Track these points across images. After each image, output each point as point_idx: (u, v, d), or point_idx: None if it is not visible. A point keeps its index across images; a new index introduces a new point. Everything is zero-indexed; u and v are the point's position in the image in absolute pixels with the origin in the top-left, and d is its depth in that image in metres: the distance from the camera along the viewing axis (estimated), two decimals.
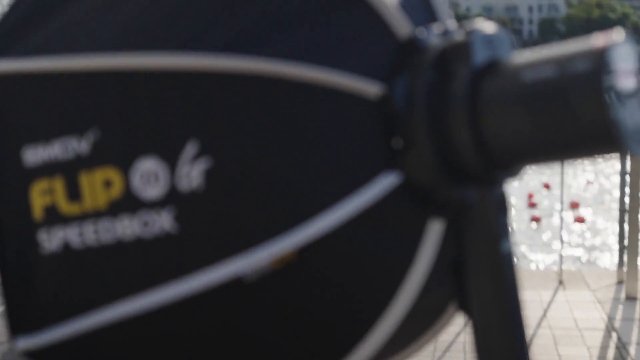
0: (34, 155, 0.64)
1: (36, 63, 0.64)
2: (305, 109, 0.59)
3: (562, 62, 0.57)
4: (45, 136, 0.63)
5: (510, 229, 0.66)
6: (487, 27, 0.65)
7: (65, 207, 0.63)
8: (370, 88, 0.60)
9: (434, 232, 0.63)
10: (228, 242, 0.58)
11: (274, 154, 0.58)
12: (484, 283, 0.65)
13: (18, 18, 0.66)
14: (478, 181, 0.63)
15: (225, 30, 0.59)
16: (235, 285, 0.59)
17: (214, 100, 0.58)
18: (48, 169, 0.63)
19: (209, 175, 0.58)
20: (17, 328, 0.66)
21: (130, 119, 0.60)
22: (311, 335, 0.62)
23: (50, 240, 0.64)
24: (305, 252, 0.59)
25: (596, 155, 0.59)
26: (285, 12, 0.61)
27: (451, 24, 0.69)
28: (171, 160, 0.59)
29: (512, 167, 0.63)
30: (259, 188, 0.58)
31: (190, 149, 0.58)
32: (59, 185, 0.63)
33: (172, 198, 0.59)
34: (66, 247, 0.63)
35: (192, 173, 0.58)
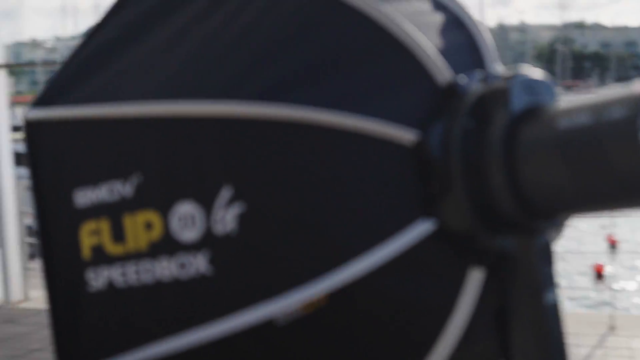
0: (83, 197, 0.67)
1: (86, 110, 0.67)
2: (339, 155, 0.60)
3: (598, 109, 0.56)
4: (94, 179, 0.66)
5: (555, 280, 0.64)
6: (531, 72, 0.64)
7: (111, 247, 0.65)
8: (405, 134, 0.60)
9: (475, 280, 0.62)
10: (260, 285, 0.59)
11: (307, 199, 0.59)
12: (527, 335, 0.63)
13: (72, 71, 0.70)
14: (517, 230, 0.61)
15: (262, 79, 0.61)
16: (267, 327, 0.59)
17: (248, 146, 0.60)
18: (96, 211, 0.66)
19: (243, 219, 0.59)
20: None
21: (169, 164, 0.62)
22: None
23: (97, 278, 0.66)
24: (337, 297, 0.59)
25: (636, 206, 0.57)
26: (322, 61, 0.62)
27: (496, 68, 0.69)
28: (207, 204, 0.60)
29: (552, 216, 0.62)
30: (292, 234, 0.59)
31: (225, 193, 0.59)
32: (105, 226, 0.65)
33: (208, 241, 0.60)
34: (110, 286, 0.65)
35: (226, 217, 0.59)
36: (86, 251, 0.67)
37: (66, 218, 0.68)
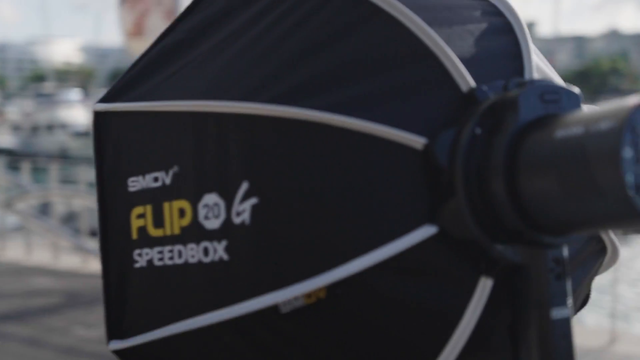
0: (135, 184, 0.74)
1: (138, 105, 0.74)
2: (350, 157, 0.62)
3: (590, 120, 0.55)
4: (143, 169, 0.73)
5: (568, 295, 0.63)
6: (552, 81, 0.64)
7: (152, 230, 0.72)
8: (417, 140, 0.62)
9: (483, 289, 0.62)
10: (269, 273, 0.64)
11: (316, 197, 0.63)
12: (532, 350, 0.62)
13: (136, 71, 0.77)
14: (523, 241, 0.61)
15: (285, 83, 0.65)
16: (271, 312, 0.64)
17: (265, 145, 0.64)
18: (143, 197, 0.73)
19: (256, 212, 0.64)
20: (111, 334, 0.76)
21: (200, 159, 0.68)
22: None
23: (141, 257, 0.73)
24: (334, 290, 0.62)
25: (624, 227, 0.56)
26: (347, 66, 0.65)
27: (533, 76, 0.68)
28: (228, 197, 0.65)
29: (556, 231, 0.61)
30: (300, 228, 0.63)
31: (243, 187, 0.64)
32: (149, 211, 0.72)
33: (227, 230, 0.65)
34: (150, 265, 0.72)
35: (243, 209, 0.64)
36: (134, 232, 0.74)
37: (121, 202, 0.75)
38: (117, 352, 0.76)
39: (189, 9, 0.79)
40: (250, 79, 0.67)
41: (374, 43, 0.66)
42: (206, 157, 0.67)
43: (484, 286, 0.63)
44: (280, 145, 0.64)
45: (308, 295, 0.63)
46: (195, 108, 0.68)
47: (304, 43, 0.67)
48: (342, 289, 0.62)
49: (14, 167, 12.53)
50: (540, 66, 0.71)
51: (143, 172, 0.73)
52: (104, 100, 0.77)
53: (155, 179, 0.72)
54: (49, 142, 32.55)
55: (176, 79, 0.74)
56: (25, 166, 11.48)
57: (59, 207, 10.27)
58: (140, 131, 0.74)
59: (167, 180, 0.71)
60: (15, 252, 10.11)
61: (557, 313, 0.62)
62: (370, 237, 0.61)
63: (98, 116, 0.77)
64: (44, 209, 10.66)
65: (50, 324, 6.85)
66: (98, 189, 0.78)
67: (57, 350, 6.12)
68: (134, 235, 0.73)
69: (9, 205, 10.60)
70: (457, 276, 0.63)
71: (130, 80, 0.77)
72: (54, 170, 10.63)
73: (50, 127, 35.11)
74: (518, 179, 0.59)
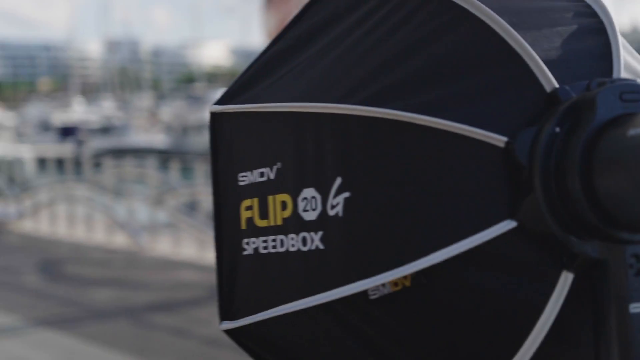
0: (244, 179, 0.81)
1: (247, 107, 0.81)
2: (435, 155, 0.66)
3: None
4: (251, 165, 0.80)
5: None
6: (636, 80, 0.65)
7: (258, 221, 0.78)
8: (499, 139, 0.65)
9: (563, 283, 0.65)
10: (357, 263, 0.69)
11: (404, 192, 0.67)
12: (611, 345, 0.64)
13: (246, 77, 0.84)
14: (600, 237, 0.63)
15: (378, 85, 0.70)
16: (361, 297, 0.69)
17: (356, 143, 0.69)
18: (251, 191, 0.79)
19: (348, 205, 0.69)
20: (223, 315, 0.83)
21: (300, 156, 0.74)
22: (419, 355, 0.70)
23: (249, 245, 0.80)
24: (420, 279, 0.67)
25: None
26: (436, 68, 0.69)
27: (621, 76, 0.69)
28: (324, 191, 0.71)
29: (636, 228, 0.63)
30: (388, 221, 0.67)
31: (337, 183, 0.70)
32: (255, 204, 0.79)
33: (323, 222, 0.71)
34: (256, 253, 0.79)
35: (336, 203, 0.70)
36: (243, 223, 0.81)
37: (232, 195, 0.82)
38: (227, 332, 0.83)
39: (296, 19, 0.85)
40: (346, 82, 0.72)
41: (461, 46, 0.69)
42: (305, 154, 0.73)
43: (565, 279, 0.65)
44: (370, 143, 0.69)
45: (394, 283, 0.68)
46: (295, 109, 0.74)
47: (397, 46, 0.71)
48: (427, 278, 0.66)
49: (164, 166, 13.15)
50: (632, 65, 0.73)
51: (251, 168, 0.80)
52: (219, 102, 0.85)
53: (261, 174, 0.78)
54: (197, 142, 33.89)
55: (281, 83, 0.80)
56: (174, 165, 12.04)
57: (205, 204, 10.70)
58: (249, 130, 0.81)
59: (271, 175, 0.77)
60: (164, 246, 10.61)
61: (636, 308, 0.63)
62: (453, 229, 0.65)
63: (214, 117, 0.85)
64: (192, 206, 11.12)
65: (195, 315, 7.17)
66: (213, 183, 0.85)
67: (201, 341, 6.40)
68: (243, 225, 0.80)
69: (159, 202, 11.14)
70: (538, 269, 0.66)
71: (242, 84, 0.84)
72: (200, 169, 11.10)
73: (199, 128, 36.56)
74: (593, 177, 0.61)
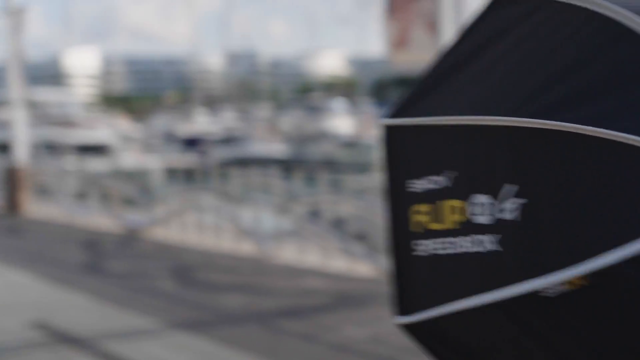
0: (413, 186, 0.91)
1: (419, 120, 0.92)
2: (605, 164, 0.75)
3: None
4: (419, 173, 0.90)
5: None
6: None
7: (428, 224, 0.89)
8: None
9: None
10: (532, 263, 0.78)
11: (576, 199, 0.76)
12: None
13: (415, 92, 0.95)
14: None
15: (547, 98, 0.79)
16: (535, 296, 0.78)
17: (527, 152, 0.79)
18: (420, 197, 0.90)
19: (525, 211, 0.78)
20: (398, 310, 0.94)
21: (471, 165, 0.84)
22: (595, 352, 0.78)
23: (418, 247, 0.90)
24: (596, 279, 0.75)
25: None
26: (600, 82, 0.77)
27: None
28: (495, 197, 0.81)
29: None
30: (561, 226, 0.76)
31: (509, 189, 0.79)
32: (424, 208, 0.89)
33: (495, 225, 0.81)
34: (428, 253, 0.89)
35: (510, 209, 0.79)
36: (412, 225, 0.91)
37: (402, 200, 0.93)
38: (401, 326, 0.93)
39: (462, 36, 0.94)
40: (516, 95, 0.82)
41: (621, 61, 0.78)
42: (476, 162, 0.83)
43: None
44: (542, 153, 0.78)
45: (570, 282, 0.76)
46: (468, 122, 0.85)
47: (565, 61, 0.80)
48: (601, 279, 0.75)
49: (287, 175, 13.45)
50: None
51: (420, 176, 0.90)
52: (391, 115, 0.95)
53: (431, 182, 0.89)
54: (316, 152, 34.33)
55: (451, 97, 0.90)
56: (297, 174, 12.29)
57: (328, 213, 10.87)
58: (419, 141, 0.92)
59: (442, 183, 0.87)
60: (289, 254, 10.84)
61: None
62: (623, 232, 0.73)
63: (386, 129, 0.96)
64: (315, 214, 11.31)
65: (322, 322, 7.32)
66: (387, 190, 0.96)
67: (329, 347, 6.54)
68: (412, 228, 0.91)
69: (284, 210, 11.40)
70: None
71: (412, 98, 0.95)
72: (322, 178, 11.30)
73: (317, 137, 37.02)
74: None
